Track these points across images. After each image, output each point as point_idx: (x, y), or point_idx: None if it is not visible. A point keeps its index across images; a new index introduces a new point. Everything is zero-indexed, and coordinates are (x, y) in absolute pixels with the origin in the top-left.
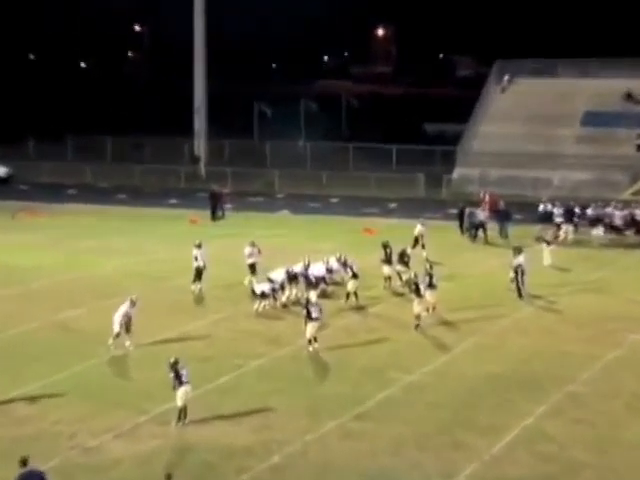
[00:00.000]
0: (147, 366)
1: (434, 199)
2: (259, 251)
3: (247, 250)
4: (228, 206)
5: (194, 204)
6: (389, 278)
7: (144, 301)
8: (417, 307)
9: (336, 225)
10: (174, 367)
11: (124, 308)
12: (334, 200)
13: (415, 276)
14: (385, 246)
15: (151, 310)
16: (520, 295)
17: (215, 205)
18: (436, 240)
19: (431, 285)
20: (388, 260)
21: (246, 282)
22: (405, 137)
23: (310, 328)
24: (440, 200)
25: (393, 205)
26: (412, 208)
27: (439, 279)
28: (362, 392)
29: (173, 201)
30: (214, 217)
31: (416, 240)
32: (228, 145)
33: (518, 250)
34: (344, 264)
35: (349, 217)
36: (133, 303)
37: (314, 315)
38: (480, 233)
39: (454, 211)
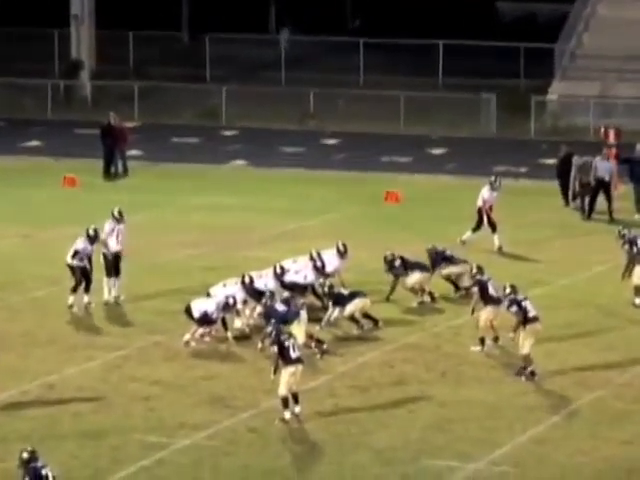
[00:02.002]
0: None
1: (515, 139)
2: (117, 237)
3: (107, 227)
4: (135, 153)
5: (72, 149)
6: (422, 290)
7: None
8: (525, 343)
9: (333, 187)
10: (27, 467)
11: None
12: (330, 141)
13: (512, 290)
14: (391, 261)
15: None
16: None
17: (111, 151)
18: (518, 215)
19: (490, 298)
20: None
21: (106, 294)
22: (460, 25)
23: (287, 377)
24: (526, 141)
25: (439, 150)
26: (474, 155)
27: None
28: None
29: (34, 143)
30: (109, 173)
31: (481, 214)
32: (133, 40)
33: (630, 242)
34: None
35: (357, 172)
36: None
37: (293, 354)
38: (601, 201)
39: (552, 161)
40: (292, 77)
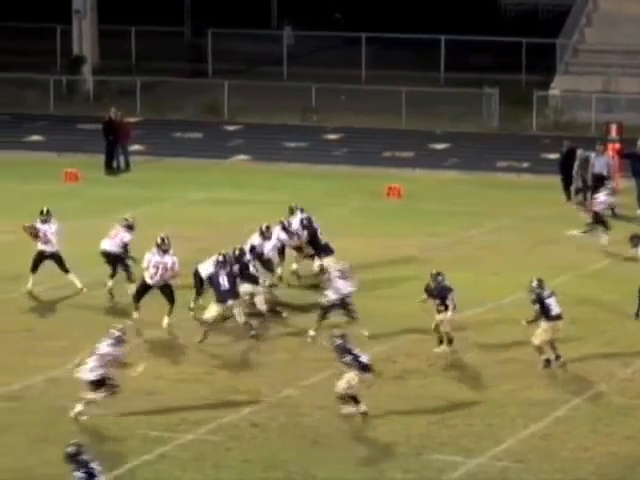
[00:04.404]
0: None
1: (517, 134)
2: (125, 247)
3: (116, 236)
4: (137, 147)
5: (74, 144)
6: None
7: None
8: (540, 335)
9: (335, 182)
10: (76, 459)
11: None
12: (332, 136)
13: (538, 284)
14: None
15: None
16: (638, 314)
17: (113, 146)
18: (519, 210)
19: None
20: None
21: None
22: (462, 20)
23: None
24: (528, 136)
25: (441, 145)
26: (477, 150)
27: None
28: None
29: (36, 138)
30: (111, 168)
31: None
32: (135, 35)
33: (636, 240)
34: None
35: (359, 167)
36: None
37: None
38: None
39: (554, 156)
40: (294, 72)
